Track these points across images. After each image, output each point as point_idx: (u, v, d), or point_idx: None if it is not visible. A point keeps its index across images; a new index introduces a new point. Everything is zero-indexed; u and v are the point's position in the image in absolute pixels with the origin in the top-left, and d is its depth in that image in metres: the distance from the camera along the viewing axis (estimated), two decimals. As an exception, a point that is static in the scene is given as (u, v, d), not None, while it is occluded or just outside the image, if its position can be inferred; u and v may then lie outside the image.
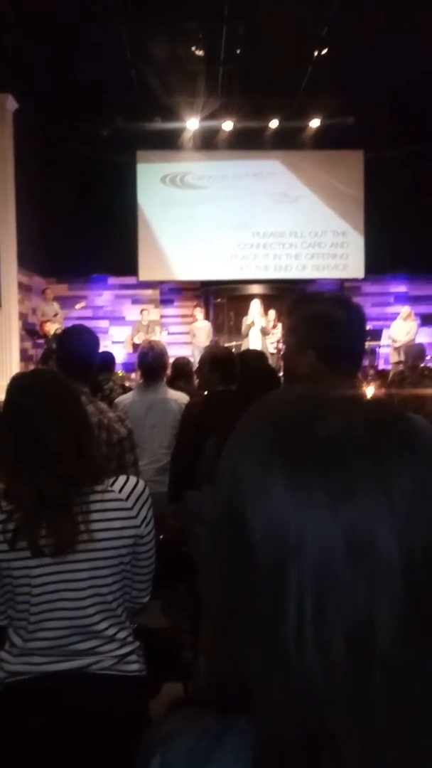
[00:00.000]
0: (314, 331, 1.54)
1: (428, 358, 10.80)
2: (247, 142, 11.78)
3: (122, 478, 1.61)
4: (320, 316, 1.54)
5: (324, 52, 8.88)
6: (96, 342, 2.63)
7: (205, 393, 3.57)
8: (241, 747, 0.51)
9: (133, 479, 1.62)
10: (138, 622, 1.73)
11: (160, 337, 10.99)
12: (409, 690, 0.48)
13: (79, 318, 11.11)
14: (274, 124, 11.22)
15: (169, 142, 11.82)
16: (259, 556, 0.50)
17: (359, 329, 1.57)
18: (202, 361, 3.60)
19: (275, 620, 0.49)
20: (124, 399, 3.81)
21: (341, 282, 12.93)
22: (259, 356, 4.59)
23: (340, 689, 0.47)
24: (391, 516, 0.48)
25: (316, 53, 8.91)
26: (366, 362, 11.83)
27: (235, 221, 12.36)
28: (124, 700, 1.56)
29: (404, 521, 0.48)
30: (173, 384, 4.54)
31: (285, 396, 0.59)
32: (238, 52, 9.01)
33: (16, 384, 1.71)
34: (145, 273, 12.42)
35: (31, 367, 10.39)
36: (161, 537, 1.70)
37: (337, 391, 0.57)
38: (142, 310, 11.92)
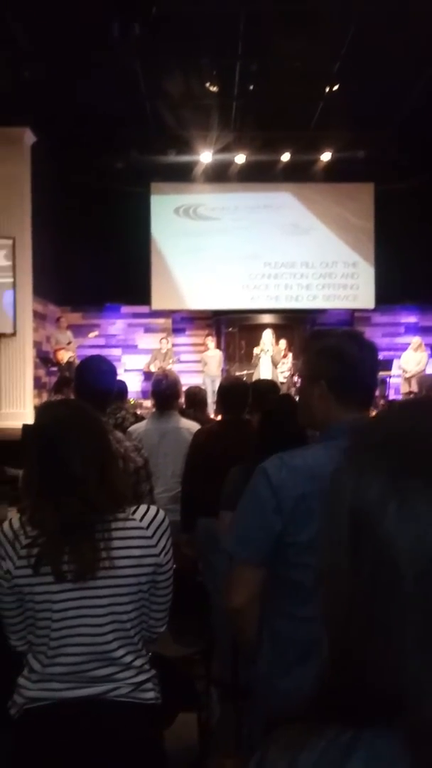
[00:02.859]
0: (325, 364, 1.60)
1: (439, 388, 10.81)
2: (259, 174, 11.96)
3: (143, 507, 1.64)
4: (331, 349, 1.60)
5: (335, 88, 9.03)
6: (114, 372, 2.66)
7: (217, 420, 3.61)
8: (372, 758, 0.52)
9: (153, 508, 1.66)
10: (152, 651, 1.75)
11: (172, 365, 11.07)
12: None
13: (92, 346, 11.21)
14: (285, 157, 11.40)
15: (182, 175, 12.02)
16: (408, 572, 0.52)
17: (371, 363, 1.62)
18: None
19: (417, 639, 0.51)
20: (138, 428, 3.85)
21: (352, 312, 13.00)
22: (272, 386, 4.63)
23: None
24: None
25: (327, 89, 9.07)
26: (377, 392, 11.82)
27: (247, 252, 12.50)
28: (139, 728, 1.57)
29: None
30: (185, 412, 4.57)
31: (404, 414, 0.62)
32: (251, 87, 9.19)
33: (45, 413, 1.76)
34: (158, 302, 12.55)
35: (44, 394, 10.47)
36: (174, 566, 1.73)
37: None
38: (161, 339, 12.04)
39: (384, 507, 0.53)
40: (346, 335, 1.67)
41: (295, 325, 12.59)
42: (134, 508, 1.63)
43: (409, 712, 0.51)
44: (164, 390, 3.80)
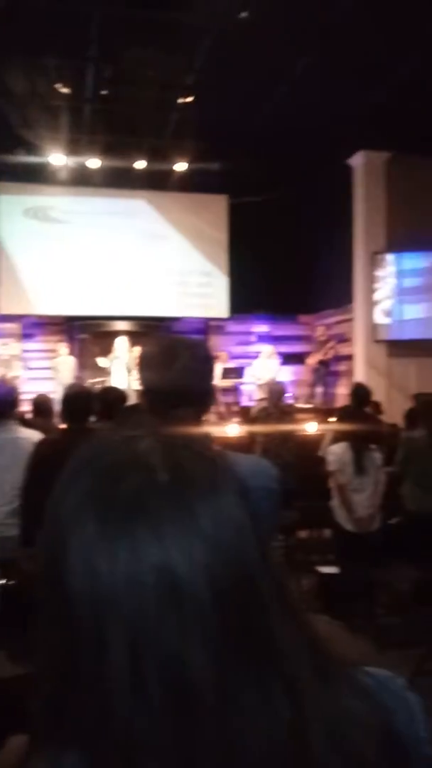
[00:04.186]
0: (147, 372, 1.57)
1: (289, 395, 11.24)
2: (114, 180, 11.85)
3: None
4: (151, 358, 1.57)
5: (189, 99, 9.15)
6: None
7: (61, 429, 3.50)
8: None
9: None
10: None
11: (18, 372, 10.64)
12: (232, 730, 0.48)
13: None
14: (140, 164, 11.37)
15: (33, 176, 11.64)
16: (76, 607, 0.49)
17: (201, 370, 1.60)
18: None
19: (96, 674, 0.48)
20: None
21: (206, 321, 13.21)
22: (120, 394, 4.56)
23: (161, 739, 0.47)
24: (195, 555, 0.50)
25: (181, 100, 9.17)
26: (230, 399, 12.11)
27: (102, 257, 12.34)
28: None
29: (209, 558, 0.50)
30: (30, 421, 4.39)
31: (103, 439, 0.60)
32: (104, 92, 9.09)
33: None
34: (6, 306, 12.03)
35: None
36: (10, 582, 1.62)
37: (152, 433, 0.59)
38: (1, 344, 11.53)
39: (62, 538, 0.52)
40: (172, 342, 1.64)
41: (150, 332, 12.56)
42: None
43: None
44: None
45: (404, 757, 0.56)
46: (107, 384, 9.46)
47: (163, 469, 0.54)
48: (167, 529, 0.50)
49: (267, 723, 0.49)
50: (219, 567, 0.50)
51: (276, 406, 7.07)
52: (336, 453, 5.18)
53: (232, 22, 7.32)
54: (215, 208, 12.82)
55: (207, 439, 1.57)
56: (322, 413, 10.04)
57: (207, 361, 1.66)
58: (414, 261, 11.19)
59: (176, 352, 1.57)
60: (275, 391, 7.30)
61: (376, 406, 8.45)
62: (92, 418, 4.06)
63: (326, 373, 12.21)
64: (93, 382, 10.25)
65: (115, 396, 4.74)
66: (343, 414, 5.92)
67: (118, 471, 0.54)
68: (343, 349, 12.14)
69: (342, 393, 11.72)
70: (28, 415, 5.59)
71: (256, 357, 12.46)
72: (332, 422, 6.96)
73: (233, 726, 0.48)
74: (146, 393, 1.57)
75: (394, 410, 8.87)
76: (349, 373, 11.74)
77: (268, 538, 1.95)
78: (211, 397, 1.74)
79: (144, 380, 1.58)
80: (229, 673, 0.49)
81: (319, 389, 12.20)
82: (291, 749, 0.49)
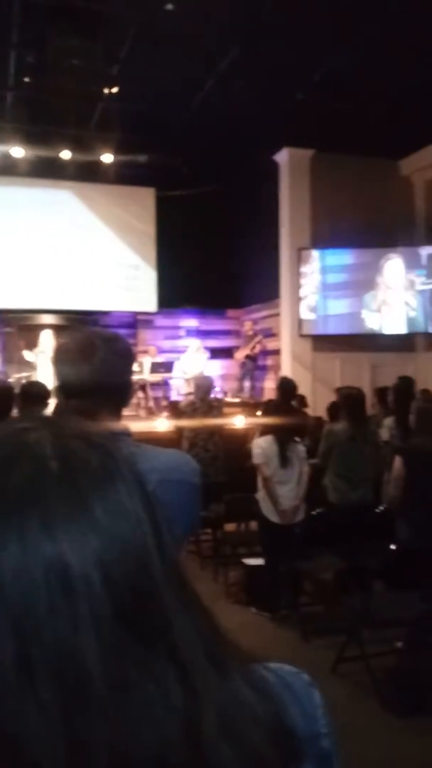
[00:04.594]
0: (64, 367, 1.54)
1: (216, 389, 11.30)
2: (39, 170, 11.57)
3: None
4: (68, 352, 1.55)
5: (114, 90, 9.03)
6: None
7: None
8: None
9: None
10: None
11: None
12: (127, 720, 0.47)
13: None
14: (66, 155, 11.15)
15: None
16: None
17: (119, 364, 1.58)
18: None
19: None
20: None
21: (134, 315, 13.12)
22: (42, 389, 4.48)
23: (52, 736, 0.46)
24: (89, 547, 0.49)
25: (106, 90, 9.04)
26: (159, 393, 12.08)
27: (27, 249, 12.05)
28: None
29: (103, 550, 0.50)
30: None
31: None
32: (26, 80, 8.87)
33: None
34: None
35: None
36: None
37: (44, 424, 0.58)
38: None
39: None
40: (85, 335, 1.61)
41: (77, 326, 12.38)
42: None
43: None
44: None
45: (296, 751, 0.56)
46: (33, 378, 9.28)
47: (54, 460, 0.52)
48: (59, 520, 0.49)
49: (161, 712, 0.49)
50: (113, 559, 0.50)
51: (203, 400, 7.09)
52: (261, 446, 5.25)
53: (157, 13, 7.26)
54: (143, 201, 12.73)
55: (124, 433, 1.56)
56: (249, 407, 10.14)
57: (125, 355, 1.65)
58: (337, 257, 11.43)
59: (93, 346, 1.54)
60: (202, 385, 7.33)
61: (302, 400, 8.62)
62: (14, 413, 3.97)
63: (254, 367, 12.34)
64: (18, 377, 10.03)
65: (37, 390, 4.65)
66: (268, 407, 6.00)
67: (8, 462, 0.52)
68: (271, 344, 12.29)
69: (269, 387, 11.88)
70: None
71: (184, 351, 12.48)
72: (258, 416, 7.05)
73: (128, 716, 0.48)
74: (62, 388, 1.54)
75: (319, 404, 9.06)
76: (277, 367, 11.90)
77: (188, 531, 1.95)
78: (129, 391, 1.72)
79: (60, 375, 1.55)
80: (124, 663, 0.48)
81: (247, 383, 12.33)
82: (183, 739, 0.49)
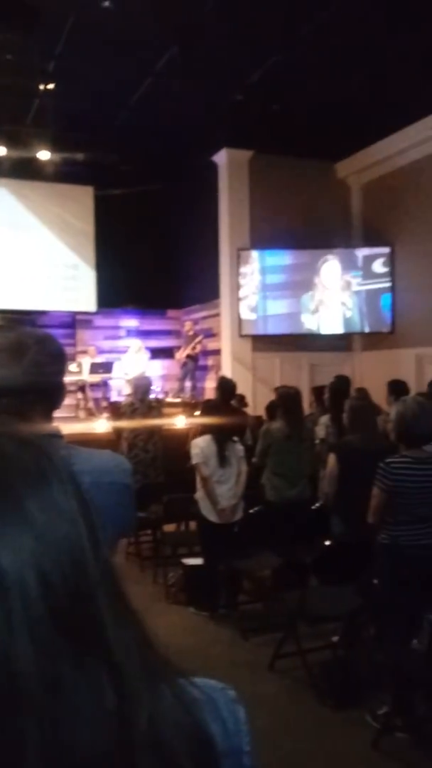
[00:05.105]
0: None
1: (157, 389, 11.28)
2: (-28, 166, 11.31)
3: None
4: None
5: (51, 86, 8.90)
6: None
7: None
8: None
9: None
10: None
11: None
12: (61, 722, 0.47)
13: None
14: (0, 151, 10.92)
15: None
16: None
17: (51, 364, 1.56)
18: None
19: None
20: None
21: (74, 315, 12.96)
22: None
23: None
24: (23, 547, 0.49)
25: (42, 86, 8.90)
26: (99, 394, 11.96)
27: (-39, 248, 11.75)
28: None
29: (37, 549, 0.49)
30: None
31: None
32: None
33: None
34: None
35: None
36: None
37: None
38: None
39: None
40: (14, 335, 1.58)
41: (15, 326, 12.11)
42: None
43: None
44: None
45: (214, 765, 0.57)
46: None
47: None
48: None
49: (94, 715, 0.49)
50: (49, 559, 0.50)
51: (142, 400, 7.06)
52: (199, 446, 5.26)
53: (94, 10, 7.19)
54: (81, 199, 12.57)
55: (55, 435, 1.54)
56: (190, 407, 10.15)
57: (57, 356, 1.62)
58: (277, 258, 11.56)
59: (25, 346, 1.51)
60: (141, 385, 7.29)
61: (241, 399, 8.68)
62: None
63: (194, 367, 12.35)
64: None
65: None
66: (207, 407, 6.02)
67: None
68: (211, 344, 12.33)
69: (210, 387, 11.91)
70: None
71: (124, 352, 12.39)
72: (197, 416, 7.06)
73: (61, 717, 0.47)
74: None
75: (260, 403, 9.15)
76: (217, 367, 11.95)
77: (122, 533, 1.94)
78: (61, 392, 1.69)
79: None
80: (58, 664, 0.48)
81: (188, 383, 12.33)
82: (115, 743, 0.49)
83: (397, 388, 6.29)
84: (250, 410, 9.00)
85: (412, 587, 3.31)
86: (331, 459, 4.34)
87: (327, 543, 4.02)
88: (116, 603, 0.54)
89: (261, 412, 8.48)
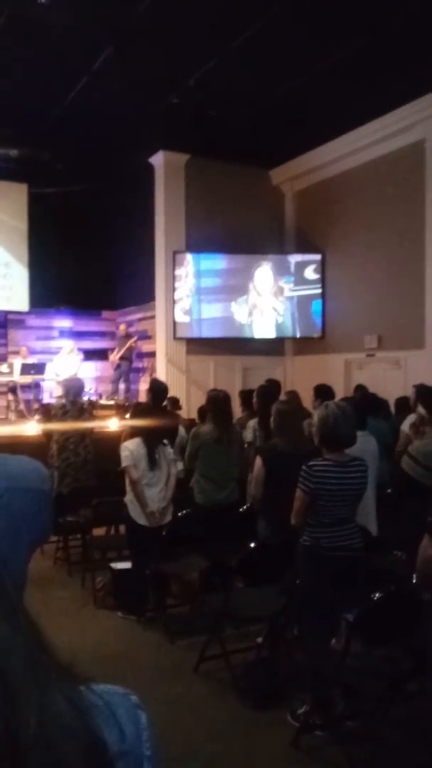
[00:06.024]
0: None
1: (89, 392, 11.15)
2: None
3: None
4: None
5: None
6: None
7: None
8: None
9: None
10: None
11: None
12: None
13: None
14: None
15: None
16: None
17: None
18: None
19: None
20: None
21: (5, 314, 12.69)
22: None
23: None
24: None
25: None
26: (30, 396, 11.73)
27: None
28: None
29: None
30: None
31: None
32: None
33: None
34: None
35: None
36: None
37: None
38: None
39: None
40: None
41: None
42: None
43: None
44: None
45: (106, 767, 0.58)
46: None
47: None
48: None
49: None
50: None
51: (73, 403, 6.97)
52: (129, 448, 5.23)
53: (28, 5, 7.08)
54: (15, 197, 12.32)
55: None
56: (124, 409, 10.09)
57: None
58: (211, 262, 11.63)
59: None
60: (72, 387, 7.19)
61: (175, 402, 8.68)
62: None
63: (128, 369, 12.28)
64: None
65: None
66: (137, 410, 6.00)
67: None
68: (146, 346, 12.29)
69: (144, 389, 11.85)
70: None
71: (57, 352, 12.21)
72: (126, 418, 7.03)
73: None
74: None
75: (194, 405, 9.18)
76: (152, 369, 11.92)
77: (37, 539, 1.93)
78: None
79: None
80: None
81: (122, 385, 12.25)
82: (1, 743, 0.50)
83: (323, 393, 6.42)
84: (184, 413, 9.02)
85: (332, 587, 3.39)
86: (258, 462, 4.40)
87: (252, 545, 4.07)
88: (8, 612, 0.55)
89: (195, 414, 8.51)
